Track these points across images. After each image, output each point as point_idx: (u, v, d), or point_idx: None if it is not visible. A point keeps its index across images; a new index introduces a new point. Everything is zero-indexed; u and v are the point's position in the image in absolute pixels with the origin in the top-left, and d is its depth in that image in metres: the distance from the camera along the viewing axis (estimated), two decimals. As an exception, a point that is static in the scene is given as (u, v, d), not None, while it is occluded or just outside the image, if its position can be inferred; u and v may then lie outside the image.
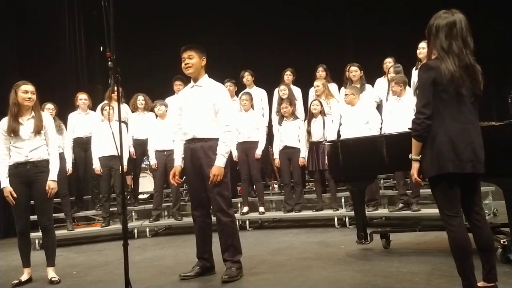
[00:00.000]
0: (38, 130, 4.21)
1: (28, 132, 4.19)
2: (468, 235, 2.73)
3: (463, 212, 2.83)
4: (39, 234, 4.47)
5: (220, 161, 3.87)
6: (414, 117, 2.75)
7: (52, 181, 4.23)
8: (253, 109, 6.82)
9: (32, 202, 4.34)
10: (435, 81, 2.66)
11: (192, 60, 3.97)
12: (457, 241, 2.69)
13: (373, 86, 6.93)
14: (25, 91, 4.19)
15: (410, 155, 2.81)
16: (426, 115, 2.68)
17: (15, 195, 4.16)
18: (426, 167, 2.75)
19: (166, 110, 6.84)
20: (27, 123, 4.22)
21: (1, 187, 4.20)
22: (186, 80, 7.35)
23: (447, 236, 2.73)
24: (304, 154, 6.55)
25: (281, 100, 6.93)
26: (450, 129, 2.66)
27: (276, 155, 6.80)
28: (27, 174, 4.20)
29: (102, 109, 6.76)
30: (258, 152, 6.64)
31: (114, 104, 5.87)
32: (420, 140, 2.74)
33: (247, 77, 7.46)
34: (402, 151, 3.97)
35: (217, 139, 3.93)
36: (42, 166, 4.23)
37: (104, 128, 6.49)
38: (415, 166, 2.80)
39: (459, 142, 2.64)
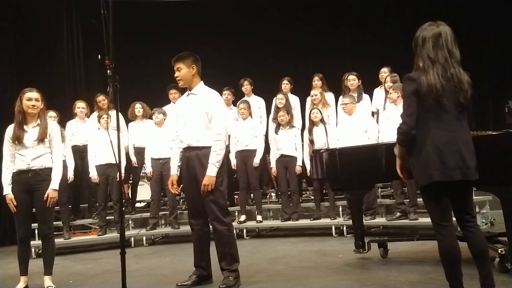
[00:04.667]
0: (41, 138, 4.16)
1: (31, 140, 4.15)
2: (458, 243, 2.78)
3: (456, 219, 2.88)
4: (37, 242, 4.45)
5: (211, 171, 3.85)
6: (398, 126, 2.85)
7: (52, 190, 4.18)
8: (251, 117, 6.84)
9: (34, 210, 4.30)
10: (417, 91, 2.73)
11: (180, 72, 4.00)
12: (446, 249, 2.76)
13: (371, 95, 6.96)
14: (29, 99, 4.15)
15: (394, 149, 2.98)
16: (409, 125, 2.77)
17: (15, 203, 4.13)
18: (416, 178, 2.81)
19: (164, 118, 6.82)
20: (32, 131, 4.18)
21: (4, 193, 4.18)
22: (180, 88, 7.38)
23: (437, 244, 2.79)
24: (300, 162, 6.56)
25: (277, 108, 6.95)
26: (436, 138, 2.71)
27: (273, 164, 6.80)
28: (29, 182, 4.16)
29: (99, 117, 6.73)
30: (256, 160, 6.62)
31: (110, 112, 5.88)
32: (404, 146, 2.88)
33: (246, 86, 7.48)
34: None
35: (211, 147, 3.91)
36: (44, 174, 4.19)
37: (100, 136, 6.48)
38: (398, 162, 2.97)
39: (445, 151, 2.68)
